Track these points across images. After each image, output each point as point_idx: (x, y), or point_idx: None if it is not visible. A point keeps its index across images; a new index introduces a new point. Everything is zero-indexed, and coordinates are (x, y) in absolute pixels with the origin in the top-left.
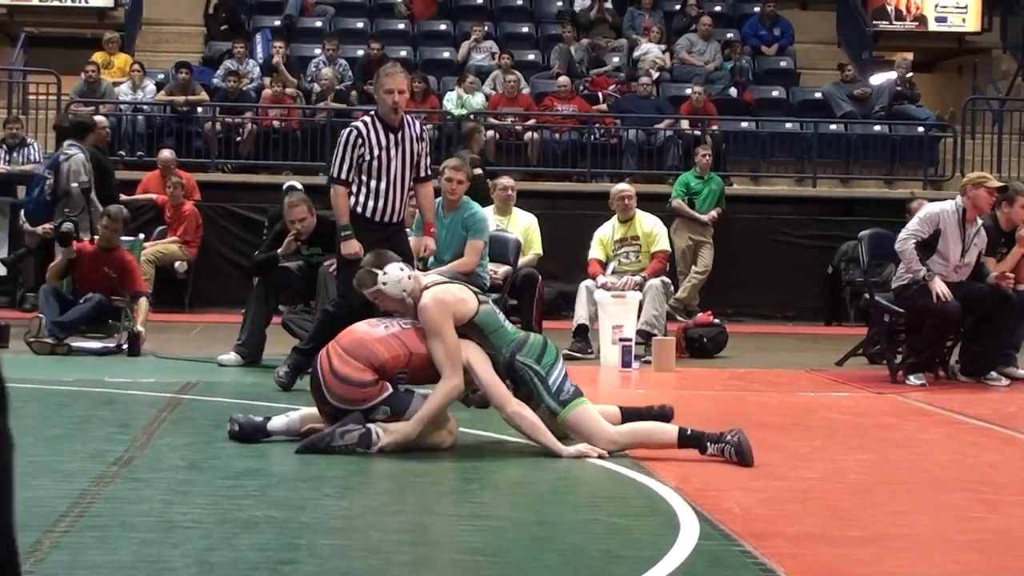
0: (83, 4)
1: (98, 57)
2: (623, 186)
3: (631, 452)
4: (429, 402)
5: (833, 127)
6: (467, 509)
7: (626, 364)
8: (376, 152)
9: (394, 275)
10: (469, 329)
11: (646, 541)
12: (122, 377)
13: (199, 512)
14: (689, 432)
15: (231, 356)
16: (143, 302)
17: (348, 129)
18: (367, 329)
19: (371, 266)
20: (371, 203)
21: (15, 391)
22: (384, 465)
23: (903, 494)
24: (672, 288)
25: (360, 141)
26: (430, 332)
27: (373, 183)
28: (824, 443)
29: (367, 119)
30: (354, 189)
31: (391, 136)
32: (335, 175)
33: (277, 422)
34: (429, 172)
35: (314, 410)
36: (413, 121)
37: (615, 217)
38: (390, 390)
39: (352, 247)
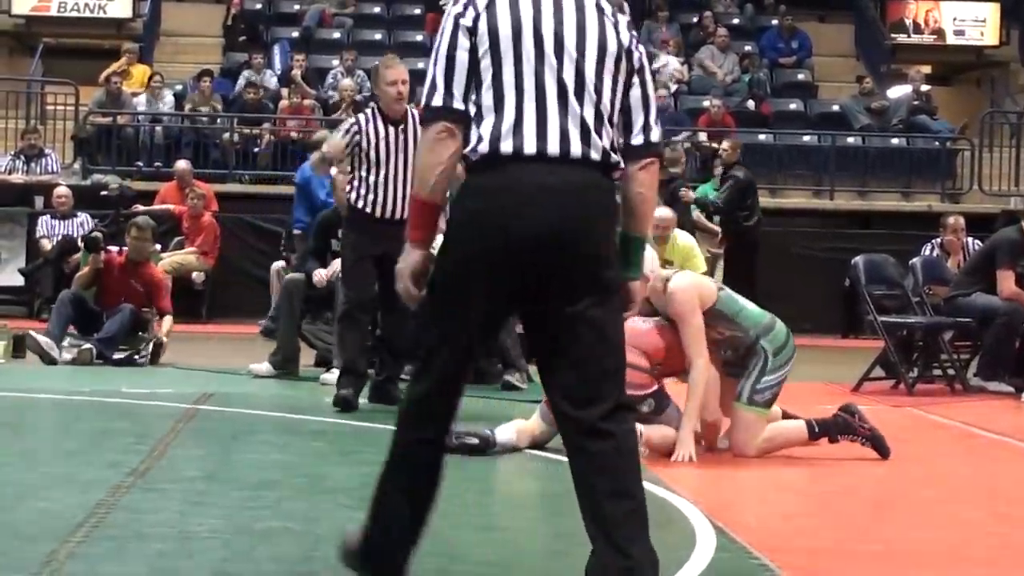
0: (101, 15)
1: (116, 67)
2: (663, 213)
3: (647, 463)
4: (695, 389)
5: (851, 140)
6: (483, 521)
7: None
8: (372, 142)
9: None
10: (712, 317)
11: (662, 554)
12: (139, 388)
13: (215, 523)
14: (816, 429)
15: (264, 366)
16: (167, 320)
17: (351, 121)
18: (631, 324)
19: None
20: (369, 196)
21: (32, 401)
22: None
23: (919, 508)
24: None
25: (356, 129)
26: (681, 317)
27: (371, 176)
28: (841, 456)
29: (368, 112)
30: (354, 183)
31: (391, 128)
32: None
33: (503, 435)
34: None
35: (530, 424)
36: (418, 115)
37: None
38: (656, 385)
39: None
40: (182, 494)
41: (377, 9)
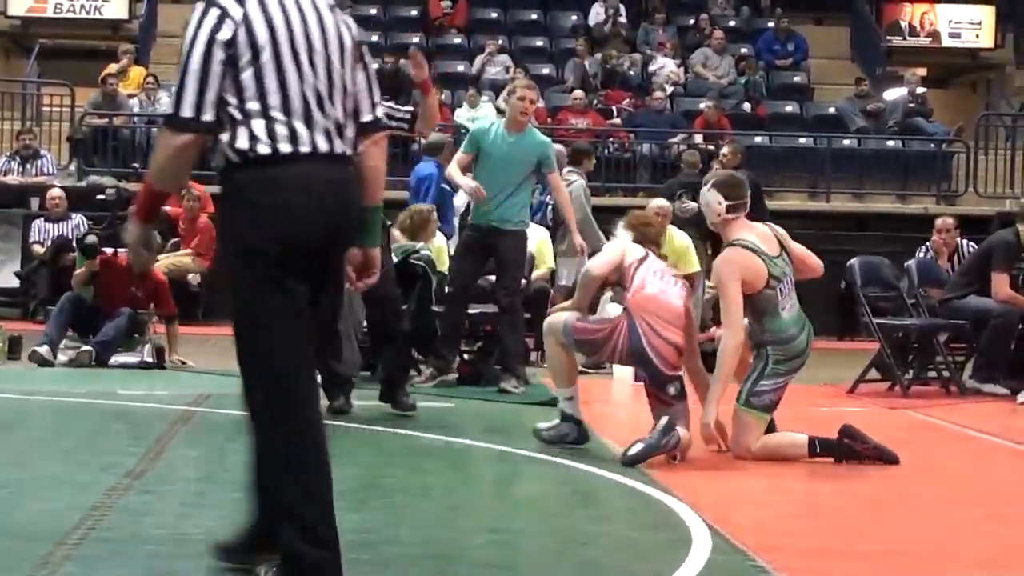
0: (97, 16)
1: (113, 68)
2: (659, 203)
3: (644, 466)
4: (723, 358)
5: (846, 142)
6: (481, 522)
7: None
8: None
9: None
10: (751, 303)
11: (659, 555)
12: (135, 389)
13: (212, 525)
14: (818, 448)
15: None
16: (175, 323)
17: None
18: (668, 299)
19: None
20: None
21: (28, 403)
22: (397, 478)
23: (915, 509)
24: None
25: None
26: (718, 284)
27: None
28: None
29: None
30: None
31: None
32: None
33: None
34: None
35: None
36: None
37: None
38: (682, 369)
39: None
40: (179, 496)
41: (373, 10)
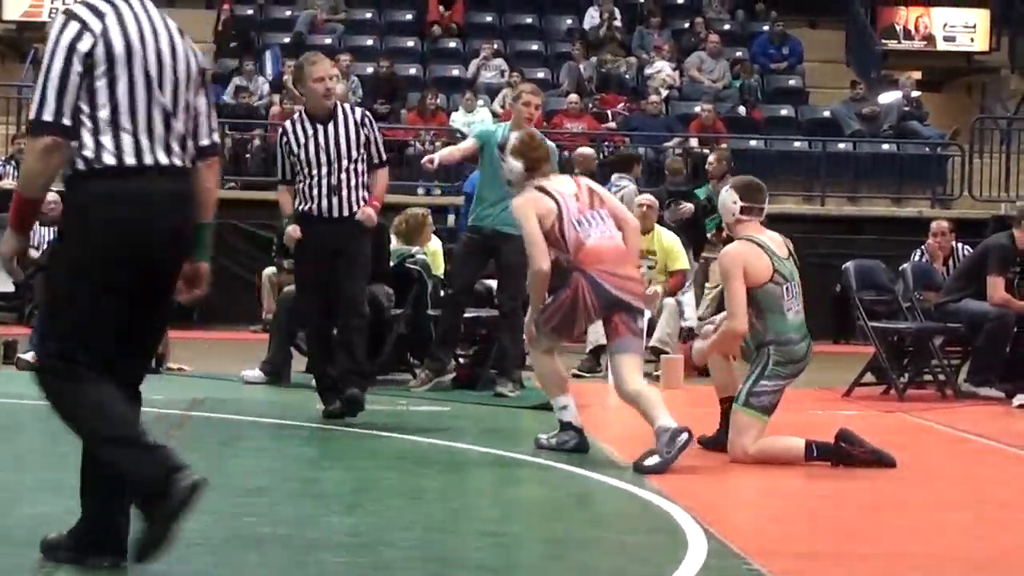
0: None
1: None
2: (646, 196)
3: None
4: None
5: (841, 146)
6: (476, 526)
7: None
8: (296, 148)
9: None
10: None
11: (655, 559)
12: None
13: (207, 529)
14: (816, 451)
15: (255, 372)
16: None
17: (279, 130)
18: (613, 234)
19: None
20: (310, 197)
21: (22, 408)
22: (392, 481)
23: (911, 513)
24: (682, 307)
25: (285, 139)
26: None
27: (306, 179)
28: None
29: (295, 116)
30: (298, 187)
31: (319, 127)
32: (278, 177)
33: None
34: (381, 160)
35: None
36: (351, 109)
37: None
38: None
39: (293, 232)
40: None
41: (369, 15)
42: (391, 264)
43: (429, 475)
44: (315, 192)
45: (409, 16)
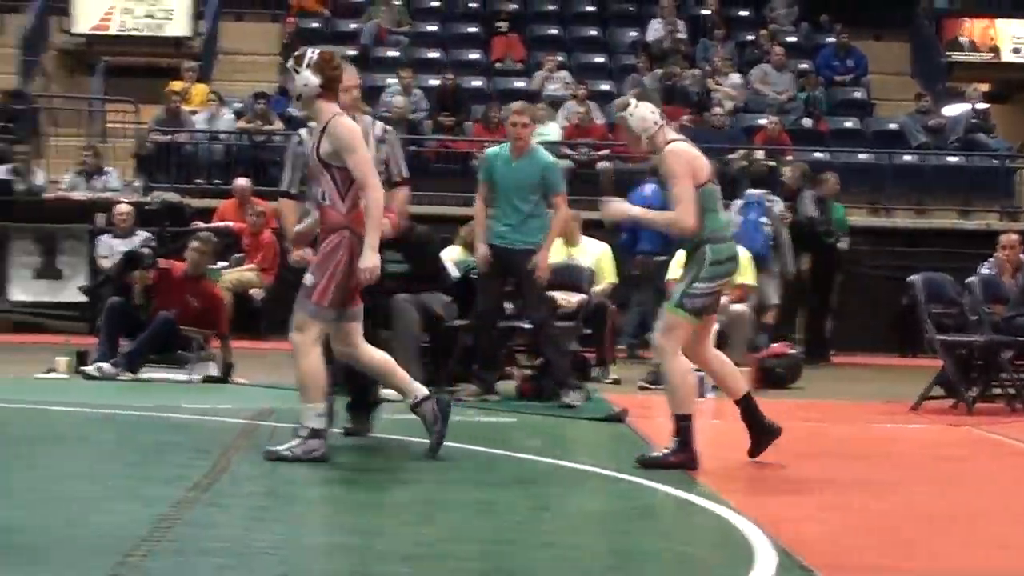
0: (160, 34)
1: (176, 86)
2: None
3: (706, 481)
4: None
5: (907, 158)
6: (539, 538)
7: (700, 395)
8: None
9: (642, 113)
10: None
11: (721, 571)
12: (199, 403)
13: (275, 538)
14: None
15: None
16: (227, 342)
17: (293, 136)
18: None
19: (630, 96)
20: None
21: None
22: (458, 493)
23: (977, 527)
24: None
25: (301, 148)
26: (671, 176)
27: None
28: (897, 475)
29: (312, 124)
30: (309, 207)
31: None
32: (282, 188)
33: None
34: (402, 177)
35: None
36: (373, 123)
37: None
38: None
39: (296, 254)
40: (243, 509)
41: (433, 28)
42: (456, 275)
43: (495, 486)
44: None
45: (472, 28)
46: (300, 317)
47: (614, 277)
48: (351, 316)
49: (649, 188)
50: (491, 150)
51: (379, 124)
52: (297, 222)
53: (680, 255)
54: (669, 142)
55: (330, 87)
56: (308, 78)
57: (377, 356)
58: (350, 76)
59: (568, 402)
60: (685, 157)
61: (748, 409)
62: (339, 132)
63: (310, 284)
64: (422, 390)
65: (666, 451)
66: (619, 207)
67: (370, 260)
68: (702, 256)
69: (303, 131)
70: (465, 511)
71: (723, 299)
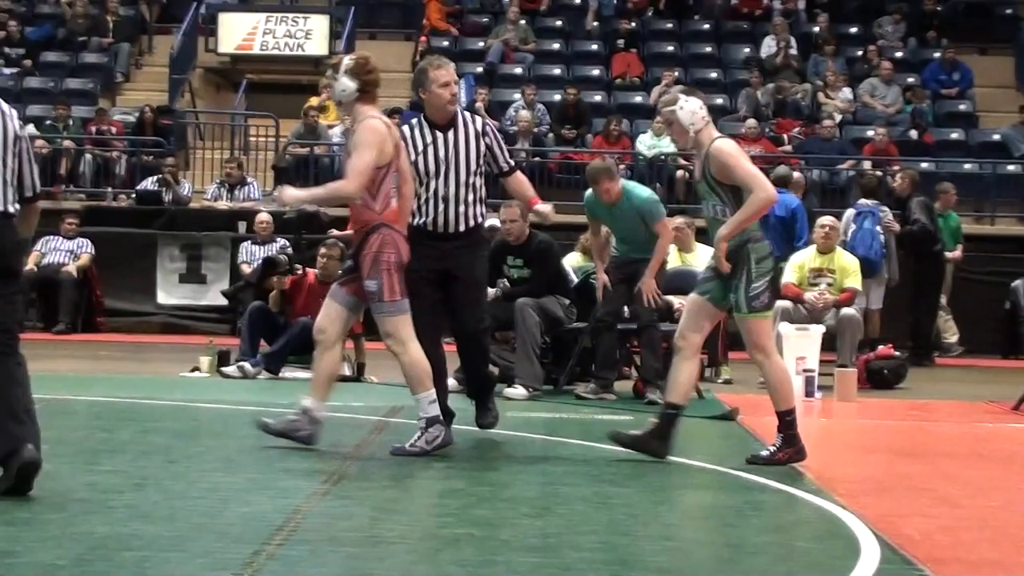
0: (300, 52)
1: (314, 101)
2: (827, 219)
3: (814, 477)
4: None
5: (1011, 167)
6: (656, 530)
7: (809, 394)
8: (414, 156)
9: (692, 107)
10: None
11: (828, 565)
12: (332, 400)
13: (403, 529)
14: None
15: (449, 382)
16: (360, 341)
17: (403, 128)
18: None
19: (680, 91)
20: (422, 212)
21: (235, 412)
22: (578, 486)
23: None
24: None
25: (409, 141)
26: (730, 167)
27: (420, 189)
28: (1002, 473)
29: (413, 121)
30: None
31: (438, 135)
32: None
33: None
34: (510, 164)
35: None
36: (472, 118)
37: (814, 247)
38: None
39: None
40: (373, 501)
41: (556, 45)
42: (575, 280)
43: (613, 481)
44: (428, 206)
45: (594, 46)
46: (384, 323)
47: None
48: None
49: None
50: (588, 195)
51: (479, 119)
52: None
53: (795, 259)
54: (715, 139)
55: (366, 90)
56: (346, 83)
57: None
58: (448, 73)
59: (653, 399)
60: (735, 148)
61: (673, 421)
62: (358, 131)
63: (376, 288)
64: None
65: (773, 448)
66: (292, 194)
67: (287, 194)
68: (747, 256)
69: (405, 129)
70: (584, 504)
71: (828, 297)
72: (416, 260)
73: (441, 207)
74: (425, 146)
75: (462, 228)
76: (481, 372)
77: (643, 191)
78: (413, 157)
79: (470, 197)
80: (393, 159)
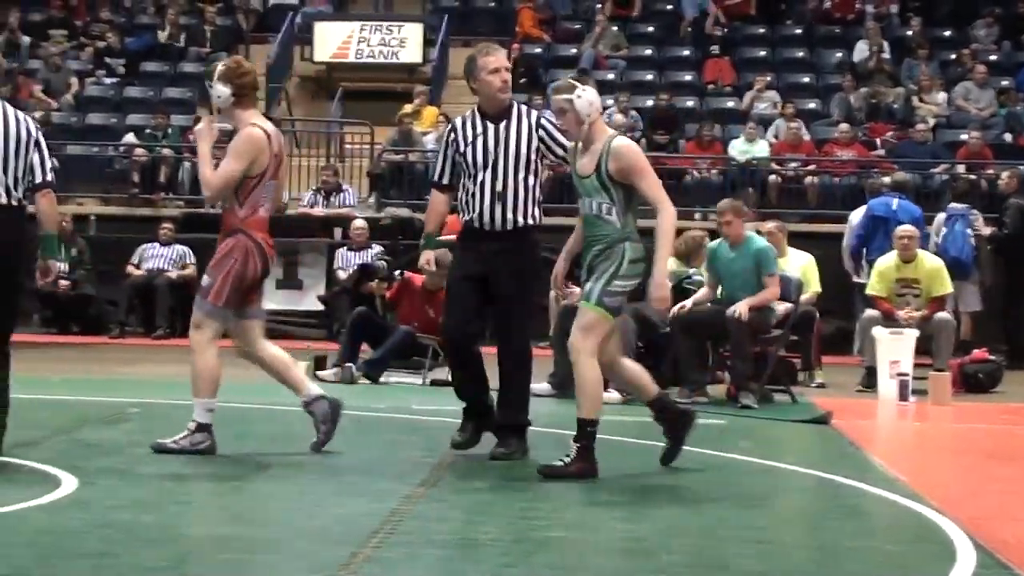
0: (394, 60)
1: (408, 108)
2: (906, 227)
3: (909, 480)
4: (666, 234)
5: None
6: (748, 534)
7: (903, 398)
8: (464, 147)
9: (590, 97)
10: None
11: (922, 569)
12: (427, 405)
13: (497, 531)
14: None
15: (543, 386)
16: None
17: (448, 125)
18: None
19: (574, 79)
20: (471, 207)
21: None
22: (669, 491)
23: None
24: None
25: (452, 136)
26: (636, 171)
27: (468, 183)
28: None
29: (467, 112)
30: (460, 197)
31: (489, 126)
32: (431, 178)
33: None
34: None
35: None
36: (528, 111)
37: (895, 254)
38: None
39: (424, 257)
40: (467, 504)
41: (648, 51)
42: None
43: (704, 484)
44: (474, 200)
45: (686, 52)
46: (197, 316)
47: (819, 286)
48: (249, 315)
49: (896, 202)
50: (712, 245)
51: (535, 112)
52: (445, 214)
53: (878, 267)
54: (613, 135)
55: (242, 94)
56: (220, 89)
57: (273, 352)
58: (498, 59)
59: (746, 403)
60: (642, 152)
61: (663, 409)
62: (235, 139)
63: (206, 284)
64: (315, 390)
65: (567, 459)
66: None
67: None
68: (620, 253)
69: (457, 120)
70: (676, 508)
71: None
72: (456, 266)
73: (487, 201)
74: (475, 137)
75: (509, 227)
76: (513, 403)
77: (764, 241)
78: (462, 148)
79: (521, 194)
80: (268, 169)
